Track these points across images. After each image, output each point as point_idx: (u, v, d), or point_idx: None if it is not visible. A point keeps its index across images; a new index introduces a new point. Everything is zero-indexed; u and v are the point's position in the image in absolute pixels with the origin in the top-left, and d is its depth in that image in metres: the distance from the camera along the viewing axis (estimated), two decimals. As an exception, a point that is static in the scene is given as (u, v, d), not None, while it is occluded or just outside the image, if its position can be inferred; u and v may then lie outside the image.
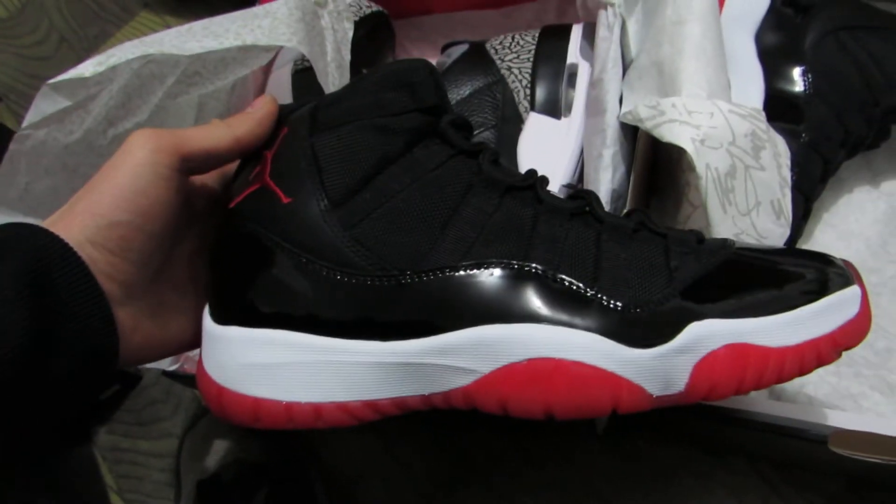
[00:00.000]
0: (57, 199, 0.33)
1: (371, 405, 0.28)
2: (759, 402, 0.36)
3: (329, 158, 0.29)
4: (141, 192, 0.27)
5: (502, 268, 0.28)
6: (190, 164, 0.29)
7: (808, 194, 0.43)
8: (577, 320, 0.27)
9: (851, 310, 0.30)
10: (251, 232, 0.29)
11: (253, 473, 0.50)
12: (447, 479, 0.51)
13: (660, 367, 0.28)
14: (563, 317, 0.28)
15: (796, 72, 0.43)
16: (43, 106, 0.33)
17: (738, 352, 0.28)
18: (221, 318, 0.29)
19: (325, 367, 0.28)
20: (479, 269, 0.28)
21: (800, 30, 0.44)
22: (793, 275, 0.30)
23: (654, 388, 0.28)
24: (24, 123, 0.32)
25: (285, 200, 0.29)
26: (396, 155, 0.29)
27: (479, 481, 0.51)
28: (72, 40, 0.77)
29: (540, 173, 0.31)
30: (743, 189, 0.35)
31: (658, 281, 0.29)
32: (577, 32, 0.48)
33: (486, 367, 0.27)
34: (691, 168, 0.36)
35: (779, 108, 0.43)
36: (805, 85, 0.43)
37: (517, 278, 0.28)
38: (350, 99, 0.30)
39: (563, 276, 0.28)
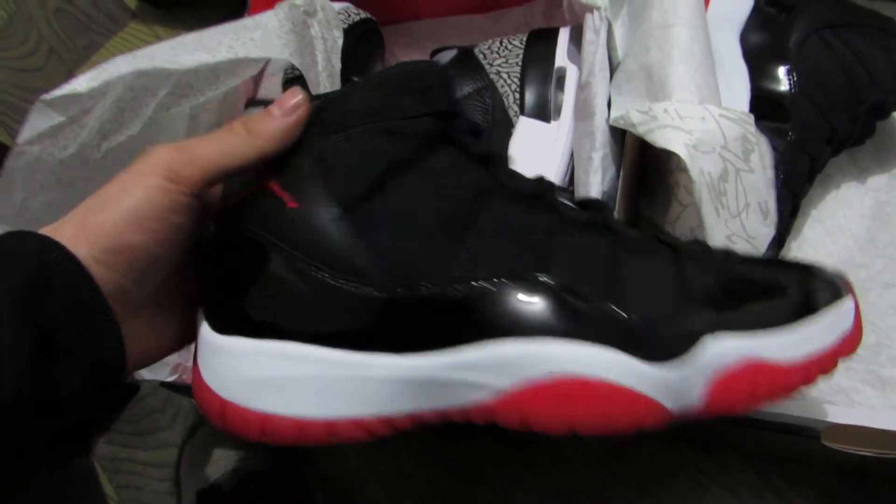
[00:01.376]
0: (53, 214, 0.33)
1: (386, 420, 0.28)
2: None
3: (338, 162, 0.28)
4: (155, 218, 0.26)
5: (519, 280, 0.27)
6: (208, 188, 0.27)
7: (795, 192, 0.43)
8: (596, 334, 0.27)
9: (848, 321, 0.31)
10: (253, 237, 0.28)
11: (253, 482, 0.50)
12: (447, 485, 0.52)
13: (675, 382, 0.28)
14: (583, 330, 0.27)
15: (781, 71, 0.44)
16: (37, 122, 0.33)
17: (753, 369, 0.28)
18: (223, 328, 0.28)
19: (339, 381, 0.27)
20: (496, 280, 0.27)
21: (784, 29, 0.45)
22: (795, 288, 0.30)
23: (672, 405, 0.28)
24: (20, 140, 0.33)
25: (291, 205, 0.27)
26: (409, 160, 0.28)
27: (478, 486, 0.51)
28: (61, 51, 0.77)
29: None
30: (734, 192, 0.36)
31: (672, 294, 0.29)
32: (564, 36, 0.48)
33: (506, 382, 0.27)
34: (680, 168, 0.36)
35: (765, 107, 0.43)
36: (790, 84, 0.44)
37: (535, 291, 0.27)
38: (359, 100, 0.29)
39: (581, 289, 0.27)
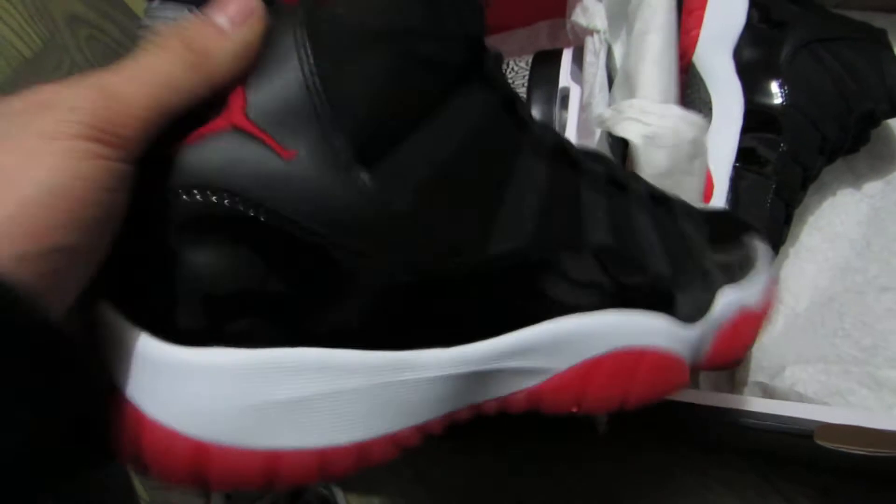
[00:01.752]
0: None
1: (421, 429, 0.23)
2: (750, 401, 0.39)
3: (349, 96, 0.20)
4: (87, 200, 0.17)
5: (565, 249, 0.24)
6: (147, 144, 0.18)
7: (788, 201, 0.45)
8: (645, 301, 0.26)
9: (769, 258, 0.33)
10: (224, 203, 0.19)
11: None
12: (460, 483, 0.54)
13: (697, 340, 0.28)
14: (633, 298, 0.25)
15: (773, 85, 0.46)
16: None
17: (744, 318, 0.29)
18: (190, 338, 0.19)
19: (376, 391, 0.21)
20: (542, 251, 0.23)
21: (775, 45, 0.47)
22: (745, 237, 0.32)
23: (690, 361, 0.28)
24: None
25: (285, 155, 0.19)
26: (440, 100, 0.21)
27: (492, 490, 0.53)
28: (92, 77, 0.81)
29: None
30: (673, 190, 0.38)
31: (692, 253, 0.28)
32: (567, 57, 0.50)
33: (563, 363, 0.24)
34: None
35: (758, 119, 0.45)
36: (782, 97, 0.45)
37: (582, 261, 0.24)
38: (369, 11, 0.21)
39: (624, 254, 0.25)
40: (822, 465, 0.47)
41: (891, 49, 0.48)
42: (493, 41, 0.62)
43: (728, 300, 0.29)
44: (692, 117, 0.38)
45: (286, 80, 0.19)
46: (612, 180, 0.27)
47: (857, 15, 0.50)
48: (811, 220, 0.51)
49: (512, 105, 0.24)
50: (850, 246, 0.50)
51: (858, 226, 0.50)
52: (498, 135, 0.23)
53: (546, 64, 0.50)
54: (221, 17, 0.20)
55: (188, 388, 0.19)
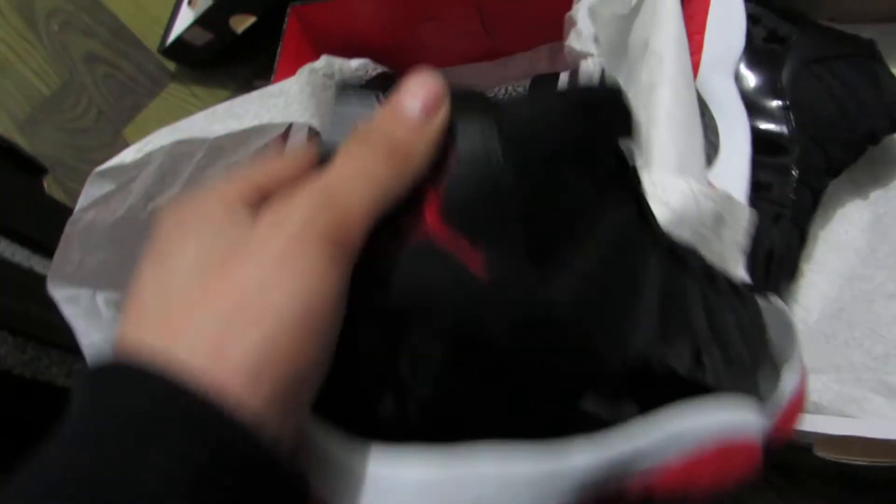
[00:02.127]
0: (106, 270, 0.37)
1: None
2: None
3: (541, 205, 0.20)
4: (329, 313, 0.16)
5: (684, 344, 0.25)
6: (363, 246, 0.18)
7: (802, 226, 0.46)
8: (742, 393, 0.27)
9: None
10: (417, 315, 0.19)
11: None
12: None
13: (767, 423, 0.29)
14: (735, 392, 0.27)
15: (777, 109, 0.46)
16: (91, 191, 0.37)
17: (800, 396, 0.31)
18: (385, 438, 0.20)
19: (541, 484, 0.22)
20: (668, 348, 0.24)
21: (776, 67, 0.47)
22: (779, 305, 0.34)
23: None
24: (77, 208, 0.37)
25: (484, 279, 0.19)
26: (597, 207, 0.22)
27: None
28: (108, 113, 0.84)
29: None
30: None
31: (760, 337, 0.30)
32: (563, 80, 0.51)
33: (677, 456, 0.25)
34: None
35: (765, 145, 0.45)
36: (787, 121, 0.46)
37: (698, 357, 0.25)
38: (547, 120, 0.21)
39: (718, 346, 0.27)
40: (830, 475, 0.47)
41: (884, 63, 0.48)
42: (495, 66, 0.64)
43: (791, 378, 0.31)
44: (715, 193, 0.37)
45: (479, 180, 0.19)
46: (705, 273, 0.28)
47: (846, 27, 0.50)
48: (815, 230, 0.51)
49: (643, 205, 0.25)
50: (856, 254, 0.50)
51: (862, 234, 0.50)
52: (633, 235, 0.24)
53: (543, 88, 0.51)
54: (412, 107, 0.19)
55: (388, 499, 0.19)
